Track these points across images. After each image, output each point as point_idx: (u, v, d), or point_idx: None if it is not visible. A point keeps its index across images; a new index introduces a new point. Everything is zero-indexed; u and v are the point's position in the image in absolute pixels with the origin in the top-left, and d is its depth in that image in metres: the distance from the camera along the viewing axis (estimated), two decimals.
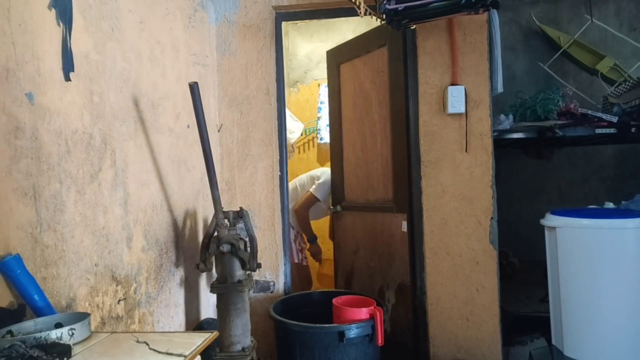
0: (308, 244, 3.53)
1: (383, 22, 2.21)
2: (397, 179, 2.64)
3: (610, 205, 2.22)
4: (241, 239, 2.01)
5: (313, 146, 4.47)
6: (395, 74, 2.61)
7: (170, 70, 2.07)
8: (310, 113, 4.45)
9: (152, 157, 1.88)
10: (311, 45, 4.44)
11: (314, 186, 3.36)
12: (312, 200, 3.35)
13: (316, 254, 3.55)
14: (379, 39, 2.73)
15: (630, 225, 1.97)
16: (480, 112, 2.42)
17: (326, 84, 4.38)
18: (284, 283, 2.69)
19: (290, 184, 3.38)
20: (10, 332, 1.04)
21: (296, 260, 3.38)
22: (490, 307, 2.41)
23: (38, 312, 1.15)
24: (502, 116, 2.57)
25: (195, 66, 2.37)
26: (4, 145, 1.12)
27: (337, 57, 3.14)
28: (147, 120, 1.84)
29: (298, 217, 3.39)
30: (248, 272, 2.04)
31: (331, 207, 3.34)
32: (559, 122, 2.52)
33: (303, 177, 3.52)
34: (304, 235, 3.49)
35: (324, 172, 3.41)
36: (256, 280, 2.65)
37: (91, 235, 1.44)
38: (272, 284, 2.66)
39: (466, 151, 2.43)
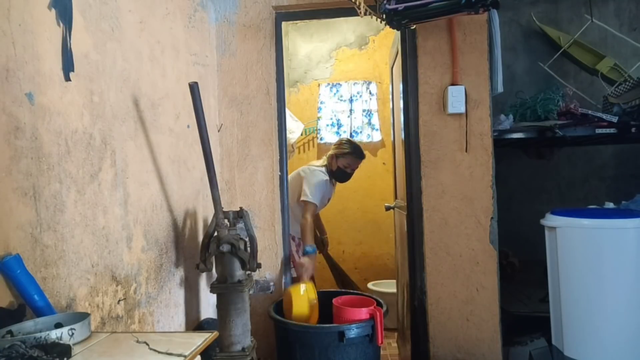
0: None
1: (383, 22, 2.22)
2: (399, 179, 2.66)
3: (610, 205, 2.22)
4: (241, 239, 2.01)
5: (313, 146, 4.47)
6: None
7: (170, 70, 2.07)
8: (310, 113, 4.45)
9: (152, 157, 1.88)
10: (311, 45, 4.44)
11: (306, 194, 2.93)
12: (313, 209, 2.96)
13: (307, 269, 2.71)
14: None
15: (630, 225, 1.98)
16: (480, 112, 2.42)
17: (326, 84, 4.41)
18: (284, 283, 2.69)
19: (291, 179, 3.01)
20: (10, 332, 1.04)
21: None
22: (490, 307, 2.41)
23: (38, 312, 1.15)
24: (502, 116, 2.57)
25: (195, 66, 2.37)
26: (4, 145, 1.12)
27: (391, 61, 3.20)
28: (147, 120, 1.84)
29: (305, 227, 2.87)
30: (248, 272, 2.04)
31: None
32: (559, 122, 2.52)
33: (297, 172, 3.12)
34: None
35: (307, 174, 3.02)
36: (256, 280, 2.64)
37: (91, 235, 1.44)
38: (272, 284, 2.66)
39: (466, 151, 2.43)
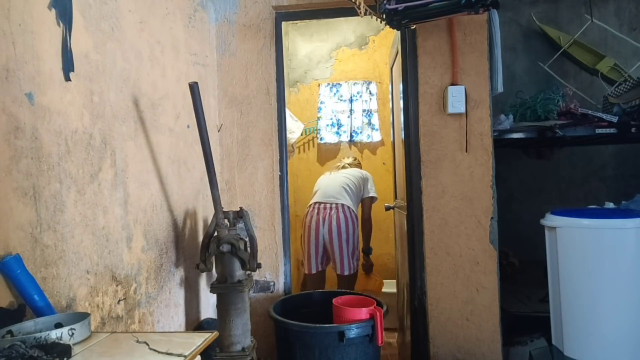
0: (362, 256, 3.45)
1: (383, 22, 2.22)
2: (399, 179, 2.66)
3: (610, 205, 2.21)
4: (241, 239, 2.01)
5: (313, 146, 4.47)
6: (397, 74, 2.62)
7: (170, 70, 2.07)
8: (310, 113, 4.45)
9: (152, 157, 1.88)
10: (311, 45, 4.44)
11: (372, 190, 3.40)
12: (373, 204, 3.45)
13: (370, 267, 3.53)
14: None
15: (630, 225, 1.97)
16: (480, 112, 2.42)
17: (326, 84, 4.41)
18: (284, 283, 2.69)
19: (348, 180, 3.33)
20: (10, 332, 1.04)
21: (356, 270, 3.29)
22: (490, 307, 2.41)
23: (38, 312, 1.15)
24: (502, 116, 2.57)
25: (195, 66, 2.37)
26: (4, 145, 1.12)
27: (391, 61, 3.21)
28: (147, 120, 1.84)
29: (370, 225, 3.41)
30: (248, 272, 2.04)
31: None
32: (559, 122, 2.52)
33: (352, 177, 3.40)
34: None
35: (369, 176, 3.49)
36: (256, 280, 2.65)
37: (91, 235, 1.44)
38: (272, 284, 2.66)
39: (466, 151, 2.43)
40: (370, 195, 3.35)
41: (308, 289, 3.34)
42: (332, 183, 3.32)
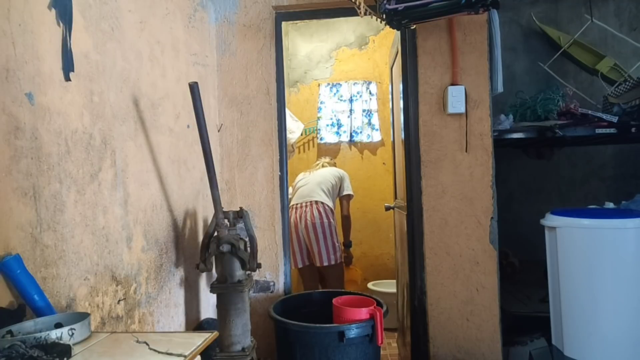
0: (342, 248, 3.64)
1: (383, 22, 2.22)
2: (399, 179, 2.65)
3: (610, 205, 2.21)
4: (241, 239, 2.01)
5: (313, 146, 4.48)
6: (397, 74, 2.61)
7: (170, 70, 2.07)
8: (310, 113, 4.45)
9: (152, 157, 1.88)
10: (311, 45, 4.45)
11: (348, 188, 3.62)
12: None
13: (350, 259, 3.78)
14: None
15: (630, 225, 1.97)
16: (480, 112, 2.42)
17: (326, 84, 4.41)
18: (284, 283, 2.69)
19: (323, 179, 3.53)
20: (10, 332, 1.04)
21: (339, 261, 3.44)
22: (490, 307, 2.41)
23: (38, 312, 1.15)
24: (502, 116, 2.57)
25: (195, 66, 2.37)
26: (4, 145, 1.12)
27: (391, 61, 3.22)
28: (147, 120, 1.84)
29: (349, 221, 3.65)
30: (248, 272, 2.04)
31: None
32: (559, 122, 2.52)
33: (328, 175, 3.60)
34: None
35: (346, 175, 3.70)
36: (256, 280, 2.65)
37: (91, 235, 1.44)
38: (272, 284, 2.66)
39: (466, 151, 2.43)
40: (347, 193, 3.61)
41: (301, 281, 3.64)
42: (309, 182, 3.54)
